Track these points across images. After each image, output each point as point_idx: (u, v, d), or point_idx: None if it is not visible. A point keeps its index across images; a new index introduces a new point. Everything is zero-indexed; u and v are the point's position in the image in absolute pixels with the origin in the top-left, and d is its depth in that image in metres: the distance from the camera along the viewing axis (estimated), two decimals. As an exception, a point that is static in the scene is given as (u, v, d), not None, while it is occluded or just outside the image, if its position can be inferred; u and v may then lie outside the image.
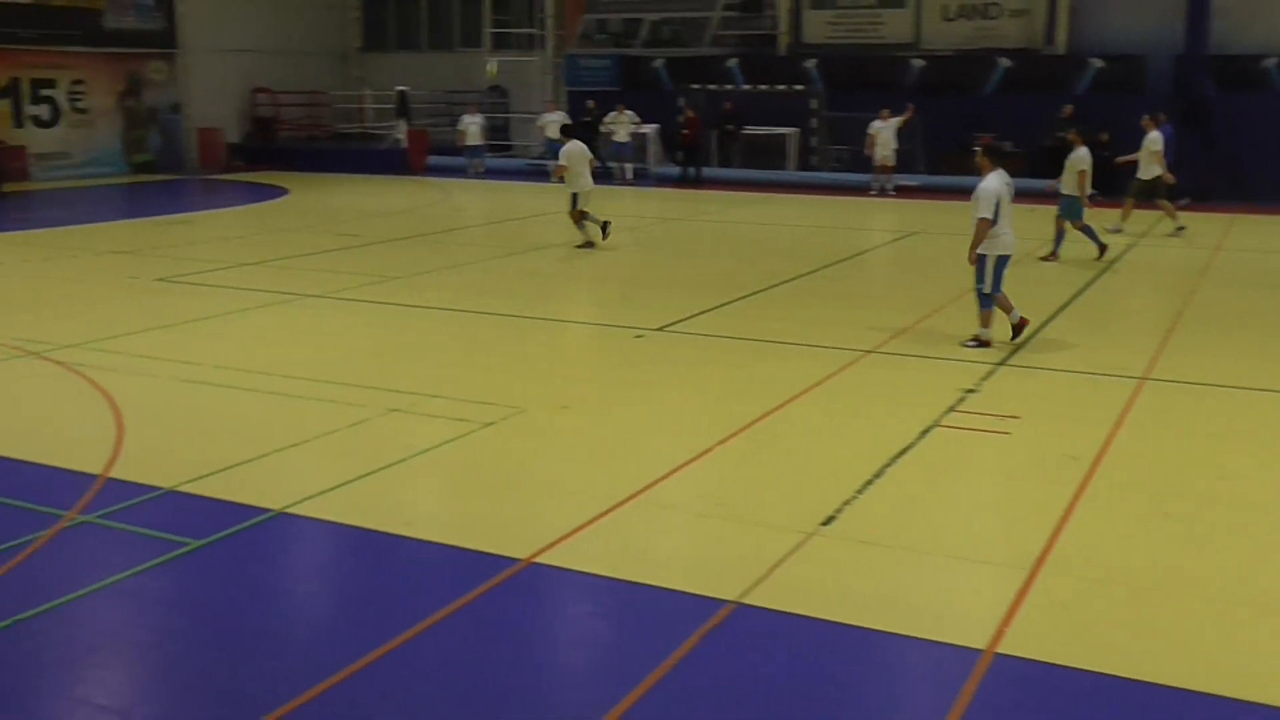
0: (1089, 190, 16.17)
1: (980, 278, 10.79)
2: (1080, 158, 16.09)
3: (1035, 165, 23.48)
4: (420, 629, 5.38)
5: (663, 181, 28.23)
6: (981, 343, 10.84)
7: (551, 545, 6.30)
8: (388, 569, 6.24)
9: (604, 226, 17.74)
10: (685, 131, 28.12)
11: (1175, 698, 4.90)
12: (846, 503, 6.97)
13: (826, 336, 11.43)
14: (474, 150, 29.27)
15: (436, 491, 7.49)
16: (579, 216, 17.57)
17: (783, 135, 28.60)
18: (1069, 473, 7.54)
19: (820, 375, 9.89)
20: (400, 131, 31.45)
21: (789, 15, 30.51)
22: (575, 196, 17.50)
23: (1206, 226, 19.55)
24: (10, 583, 5.80)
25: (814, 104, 28.41)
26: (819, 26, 30.29)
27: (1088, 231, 16.24)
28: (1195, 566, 6.23)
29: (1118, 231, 18.24)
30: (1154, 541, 6.58)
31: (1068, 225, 16.26)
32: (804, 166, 28.53)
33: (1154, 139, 18.41)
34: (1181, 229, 18.59)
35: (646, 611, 5.72)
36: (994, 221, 10.58)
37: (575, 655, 5.49)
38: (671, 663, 5.09)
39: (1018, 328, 11.01)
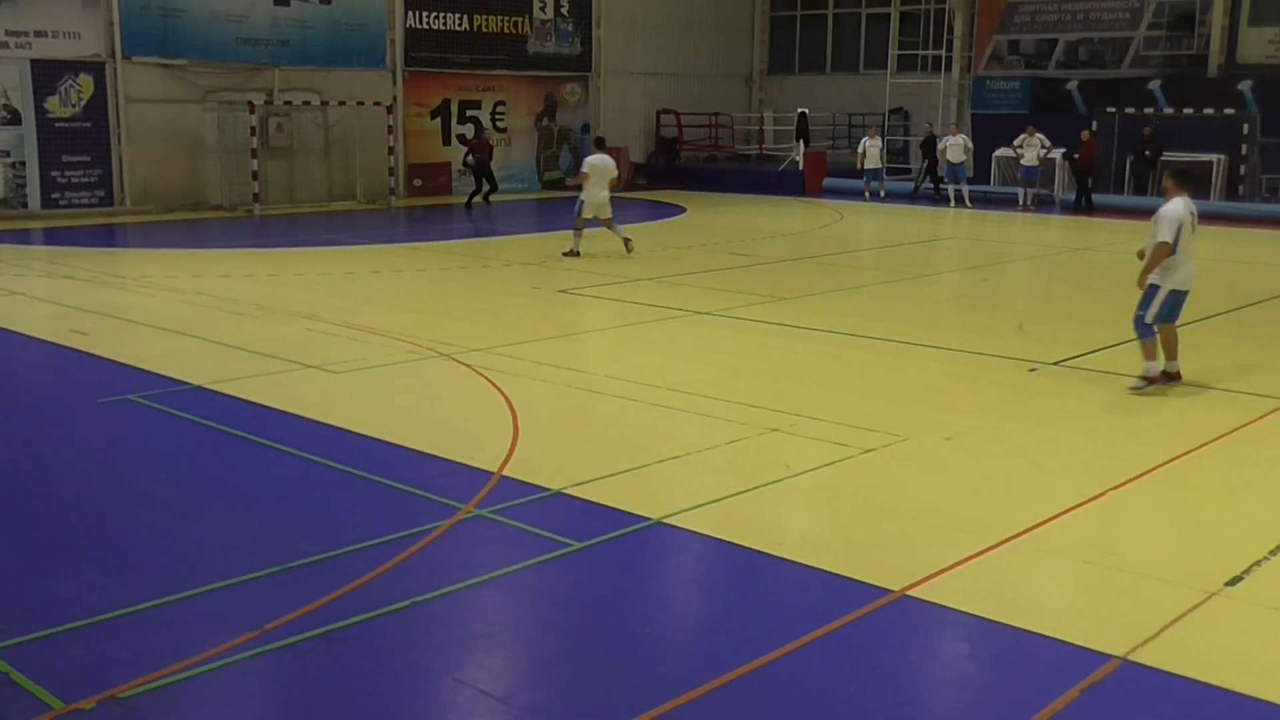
0: None
1: (1145, 305, 10.05)
2: None
3: None
4: (786, 651, 5.33)
5: (1067, 209, 26.98)
6: (1149, 380, 10.10)
7: (926, 579, 6.09)
8: (757, 587, 6.24)
9: (626, 242, 18.37)
10: (1078, 156, 26.79)
11: None
12: (1257, 563, 6.33)
13: (1241, 381, 10.47)
14: (873, 174, 29.02)
15: (811, 514, 7.43)
16: (582, 224, 18.37)
17: (1207, 162, 26.65)
18: None
19: (1234, 423, 9.07)
20: (798, 153, 31.74)
21: (1223, 34, 28.35)
22: (581, 204, 18.21)
23: None
24: (411, 567, 6.24)
25: (1246, 129, 26.27)
26: (1257, 45, 27.97)
27: None
28: None
29: None
30: None
31: None
32: (1231, 196, 26.44)
33: None
34: None
35: (1024, 658, 5.41)
36: (1174, 249, 9.80)
37: (944, 695, 5.27)
38: (1047, 714, 4.78)
39: (1169, 377, 10.20)
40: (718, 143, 35.96)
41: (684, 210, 26.79)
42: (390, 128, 27.53)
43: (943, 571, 6.21)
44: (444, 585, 5.99)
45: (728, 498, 7.36)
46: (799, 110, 32.35)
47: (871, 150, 28.79)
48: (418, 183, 28.81)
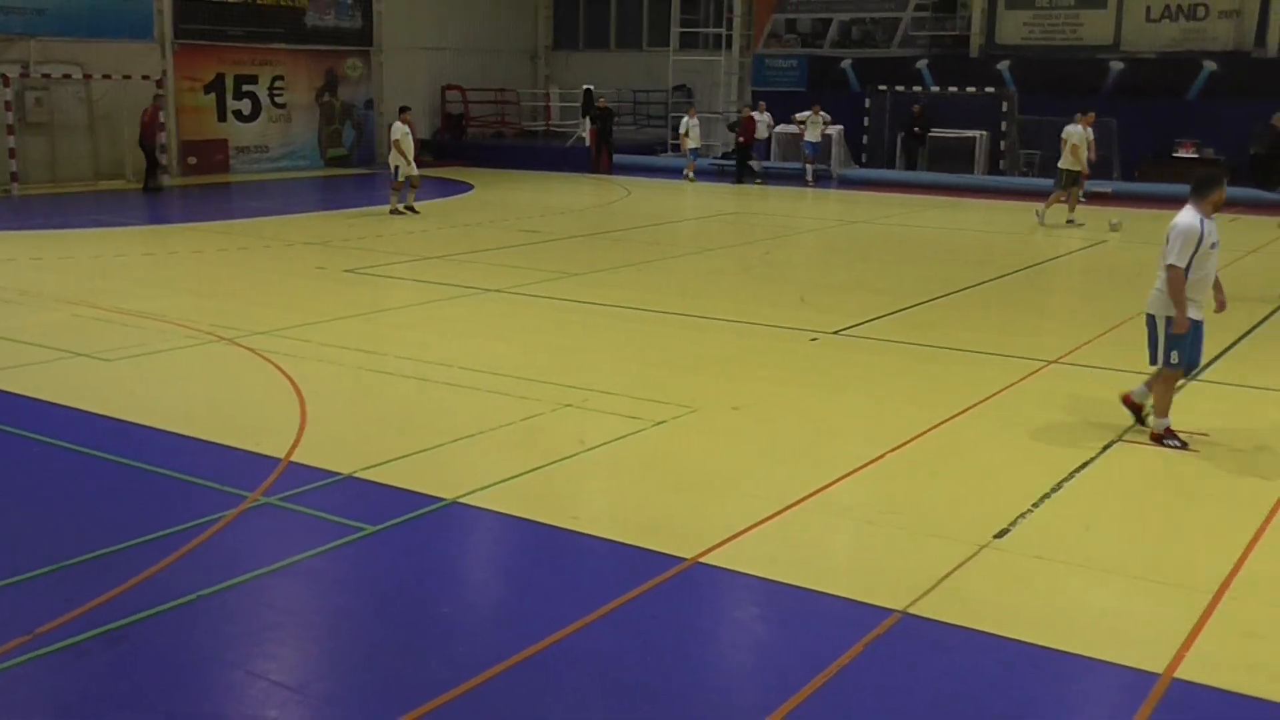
0: None
1: None
2: None
3: (1240, 176, 22.54)
4: (584, 623, 5.39)
5: (846, 184, 27.91)
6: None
7: (718, 546, 6.25)
8: (554, 562, 6.28)
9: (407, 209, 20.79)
10: (741, 135, 27.85)
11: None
12: (1022, 516, 6.74)
13: (1008, 345, 11.08)
14: (695, 153, 28.88)
15: (605, 487, 7.52)
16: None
17: (971, 138, 27.96)
18: (1259, 494, 7.15)
19: (1000, 384, 9.59)
20: (584, 130, 31.84)
21: (983, 16, 29.79)
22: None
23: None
24: (195, 559, 6.04)
25: (1005, 107, 27.68)
26: (1014, 27, 29.50)
27: None
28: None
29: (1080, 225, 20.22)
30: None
31: None
32: (993, 171, 27.83)
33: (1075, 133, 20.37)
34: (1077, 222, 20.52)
35: (811, 617, 5.62)
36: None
37: (737, 657, 5.43)
38: (834, 670, 4.99)
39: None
40: (505, 119, 35.75)
41: (471, 187, 26.55)
42: (159, 101, 26.25)
43: (733, 537, 6.38)
44: (231, 576, 5.82)
45: (523, 474, 7.37)
46: (584, 87, 32.43)
47: (694, 130, 28.66)
48: (192, 160, 27.67)
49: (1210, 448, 8.05)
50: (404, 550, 6.29)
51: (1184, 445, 8.05)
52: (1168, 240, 7.98)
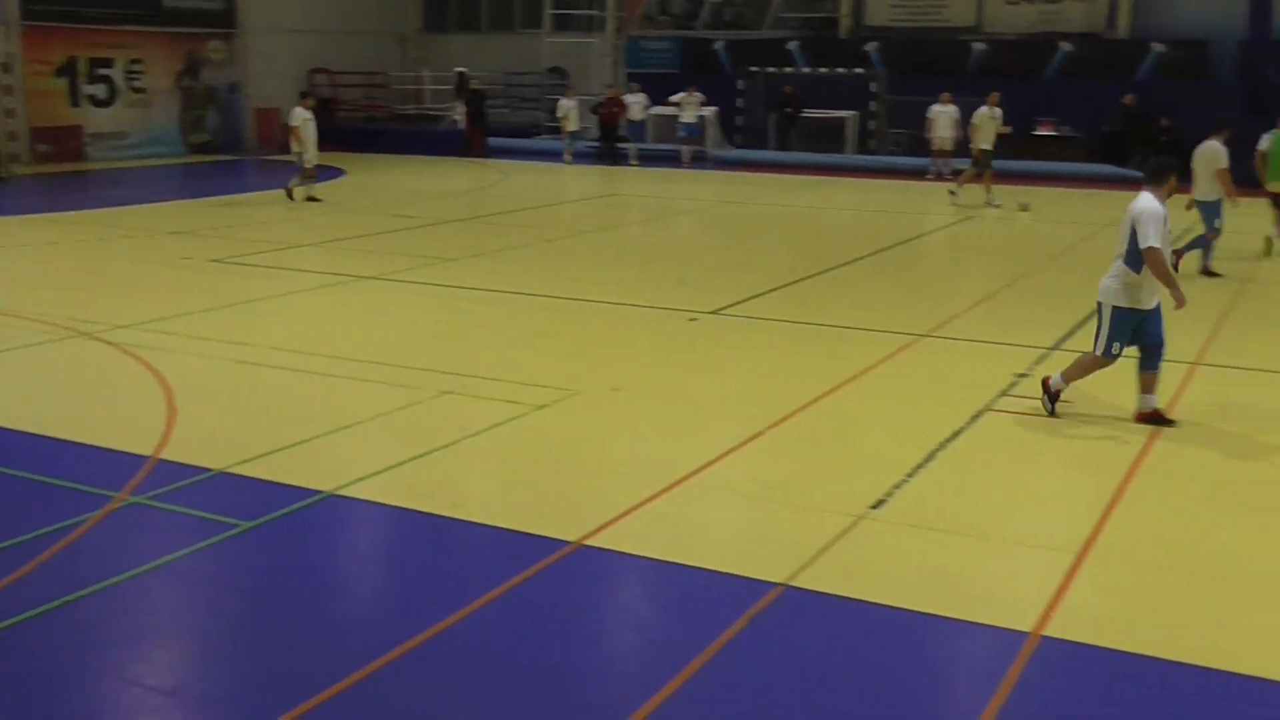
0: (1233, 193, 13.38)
1: None
2: (1216, 152, 13.35)
3: (1095, 153, 23.38)
4: (469, 611, 5.35)
5: (721, 165, 28.08)
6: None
7: (601, 528, 6.26)
8: (437, 551, 6.22)
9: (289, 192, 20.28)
10: (608, 112, 28.01)
11: (1227, 681, 4.83)
12: (896, 486, 6.88)
13: (881, 320, 11.29)
14: (575, 135, 28.67)
15: (487, 474, 7.46)
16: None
17: (842, 119, 28.36)
18: (1119, 457, 7.44)
19: (874, 359, 9.76)
20: (458, 113, 31.47)
21: (852, -2, 30.25)
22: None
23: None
24: (61, 563, 5.82)
25: (874, 87, 28.12)
26: (881, 9, 30.01)
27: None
28: (1247, 552, 6.13)
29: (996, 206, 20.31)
30: (1203, 526, 6.52)
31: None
32: (863, 150, 28.28)
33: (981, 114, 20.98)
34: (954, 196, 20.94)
35: (695, 594, 5.66)
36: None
37: (623, 637, 5.45)
38: (719, 645, 5.04)
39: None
40: (377, 103, 35.14)
41: (343, 173, 26.08)
42: (6, 87, 25.11)
43: (617, 519, 6.39)
44: (101, 580, 5.62)
45: (403, 463, 7.27)
46: (457, 69, 32.04)
47: (572, 113, 28.52)
48: (44, 148, 26.61)
49: (1072, 415, 8.31)
50: (281, 545, 6.17)
51: (1052, 411, 8.30)
52: (1132, 227, 7.86)
